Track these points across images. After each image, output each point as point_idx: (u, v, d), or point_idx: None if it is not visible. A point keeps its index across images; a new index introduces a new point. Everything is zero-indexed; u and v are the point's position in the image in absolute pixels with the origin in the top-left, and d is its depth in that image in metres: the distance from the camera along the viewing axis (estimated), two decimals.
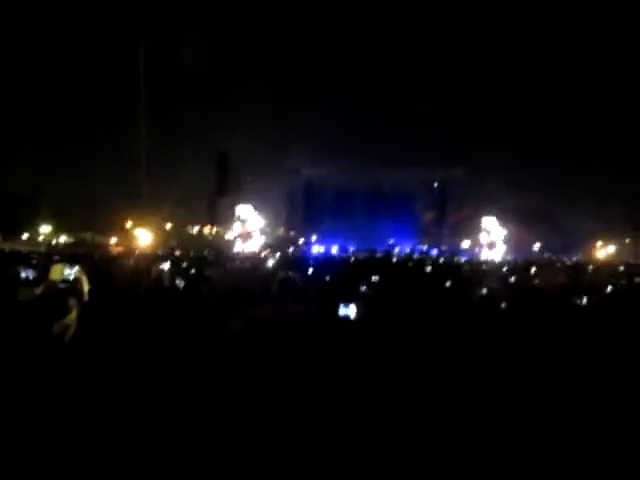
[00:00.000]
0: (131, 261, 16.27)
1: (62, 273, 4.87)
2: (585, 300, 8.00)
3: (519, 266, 23.91)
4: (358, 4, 46.89)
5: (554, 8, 44.75)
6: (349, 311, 5.46)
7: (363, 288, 7.36)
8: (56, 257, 13.23)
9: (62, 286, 4.71)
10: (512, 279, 12.95)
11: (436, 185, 56.60)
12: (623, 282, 14.41)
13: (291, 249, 37.34)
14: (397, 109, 48.84)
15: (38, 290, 4.67)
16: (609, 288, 12.47)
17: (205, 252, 27.22)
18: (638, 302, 10.10)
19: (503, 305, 6.85)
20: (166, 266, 7.88)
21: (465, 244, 51.91)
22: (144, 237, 37.85)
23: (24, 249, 23.99)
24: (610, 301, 9.90)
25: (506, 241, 50.97)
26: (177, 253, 25.19)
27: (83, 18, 42.96)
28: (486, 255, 47.20)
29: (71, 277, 4.95)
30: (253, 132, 45.50)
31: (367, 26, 47.35)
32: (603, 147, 45.03)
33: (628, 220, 49.61)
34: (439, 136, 48.31)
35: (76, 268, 5.00)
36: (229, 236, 48.92)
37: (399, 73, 48.56)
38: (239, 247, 44.78)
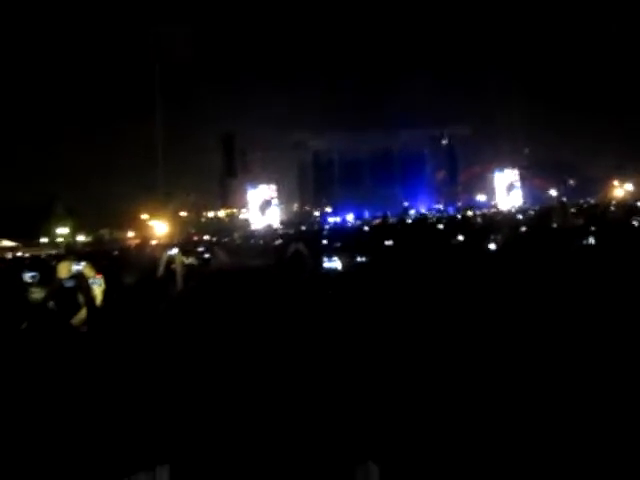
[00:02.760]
0: (147, 252, 16.49)
1: (69, 270, 4.91)
2: (592, 240, 8.02)
3: (535, 214, 23.83)
4: None
5: None
6: (334, 264, 5.63)
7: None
8: (67, 255, 13.39)
9: (69, 284, 4.74)
10: (524, 228, 12.94)
11: (445, 143, 56.02)
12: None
13: (305, 223, 37.44)
14: (398, 70, 48.36)
15: (41, 292, 4.74)
16: (636, 223, 12.48)
17: (222, 235, 27.36)
18: None
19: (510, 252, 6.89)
20: (175, 251, 8.03)
21: (481, 198, 51.63)
22: (160, 228, 38.04)
23: (41, 253, 24.26)
24: (621, 238, 9.84)
25: (521, 190, 50.77)
26: (195, 239, 25.39)
27: (89, 21, 42.85)
28: (502, 206, 46.97)
29: (80, 272, 4.99)
30: (257, 110, 45.44)
31: None
32: (608, 93, 44.46)
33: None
34: (442, 94, 47.87)
35: (83, 264, 5.02)
36: (244, 216, 49.12)
37: (397, 35, 47.98)
38: (255, 225, 44.99)
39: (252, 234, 27.69)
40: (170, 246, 9.31)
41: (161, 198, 42.24)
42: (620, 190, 47.58)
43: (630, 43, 44.11)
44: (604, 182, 47.83)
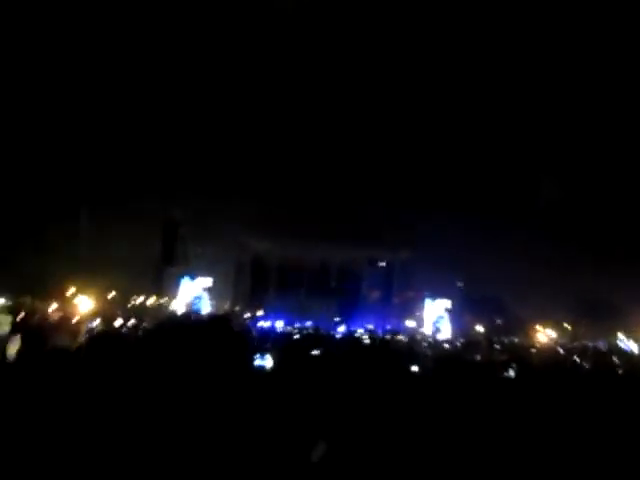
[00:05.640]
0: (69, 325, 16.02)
1: None
2: (512, 373, 8.26)
3: (461, 345, 24.26)
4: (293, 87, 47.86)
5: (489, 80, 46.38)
6: (264, 362, 5.67)
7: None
8: None
9: None
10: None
11: (383, 265, 57.19)
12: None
13: (234, 322, 36.96)
14: (346, 189, 49.88)
15: None
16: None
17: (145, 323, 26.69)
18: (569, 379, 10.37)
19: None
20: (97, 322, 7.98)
21: (410, 323, 52.31)
22: (85, 305, 36.88)
23: None
24: (538, 376, 10.10)
25: (450, 321, 51.80)
26: (119, 322, 24.73)
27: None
28: (430, 334, 47.65)
29: None
30: (203, 203, 45.77)
31: (301, 107, 48.36)
32: (547, 234, 46.63)
33: (570, 308, 51.25)
34: (386, 217, 49.37)
35: None
36: (174, 307, 48.24)
37: (347, 152, 49.80)
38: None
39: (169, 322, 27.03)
40: (92, 319, 9.16)
41: (91, 275, 41.28)
42: (542, 335, 49.03)
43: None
44: (529, 324, 49.31)
